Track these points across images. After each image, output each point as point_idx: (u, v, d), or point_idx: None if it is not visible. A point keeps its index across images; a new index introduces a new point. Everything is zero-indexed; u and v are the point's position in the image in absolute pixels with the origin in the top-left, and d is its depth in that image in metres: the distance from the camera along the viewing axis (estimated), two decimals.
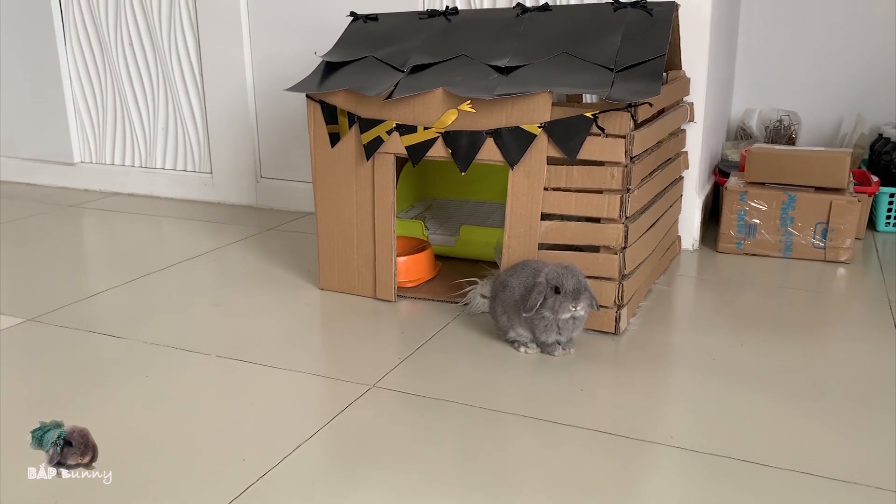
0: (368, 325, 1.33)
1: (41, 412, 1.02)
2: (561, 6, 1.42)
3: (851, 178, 1.71)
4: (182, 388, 1.11)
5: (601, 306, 1.24)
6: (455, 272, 1.51)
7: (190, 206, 2.19)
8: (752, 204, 1.65)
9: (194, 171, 2.24)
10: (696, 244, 1.74)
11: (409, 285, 1.46)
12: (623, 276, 1.26)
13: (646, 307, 1.39)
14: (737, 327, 1.30)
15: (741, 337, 1.26)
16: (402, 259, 1.45)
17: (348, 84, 1.35)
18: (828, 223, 1.61)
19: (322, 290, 1.49)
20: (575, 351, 1.20)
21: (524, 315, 1.15)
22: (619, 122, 1.20)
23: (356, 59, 1.41)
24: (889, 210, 1.84)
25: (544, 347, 1.19)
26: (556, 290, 1.13)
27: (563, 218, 1.28)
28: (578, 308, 1.14)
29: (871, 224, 1.87)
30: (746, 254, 1.68)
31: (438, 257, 1.58)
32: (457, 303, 1.39)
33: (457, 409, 1.04)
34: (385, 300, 1.43)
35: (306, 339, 1.29)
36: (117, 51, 2.23)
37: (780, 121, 2.08)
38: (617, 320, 1.26)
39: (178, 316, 1.38)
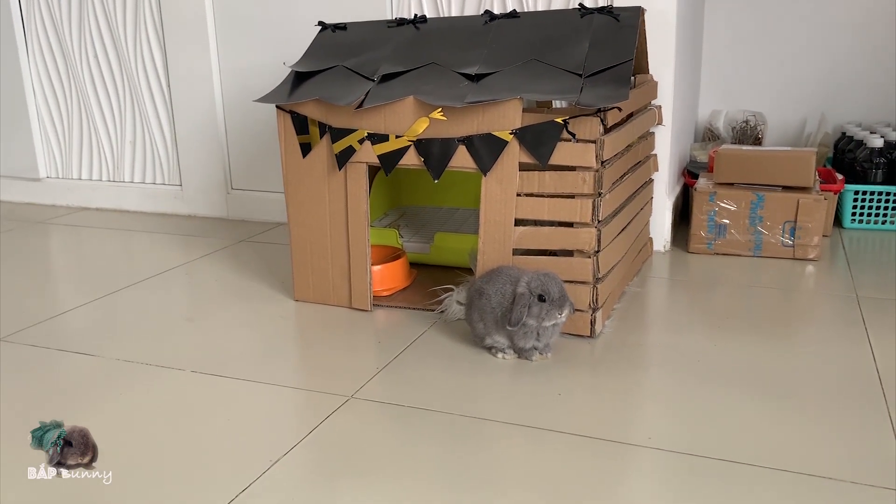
0: (345, 336, 1.33)
1: (12, 434, 1.01)
2: (528, 13, 1.43)
3: (817, 177, 1.74)
4: (157, 405, 1.10)
5: (576, 310, 1.25)
6: (430, 280, 1.51)
7: (160, 219, 2.16)
8: (722, 204, 1.68)
9: (163, 184, 2.21)
10: (668, 245, 1.76)
11: (384, 294, 1.46)
12: (597, 280, 1.27)
13: (620, 309, 1.40)
14: (710, 327, 1.32)
15: (715, 336, 1.28)
16: (376, 268, 1.45)
17: (318, 94, 1.35)
18: (796, 221, 1.64)
19: (296, 301, 1.48)
20: (552, 355, 1.21)
21: (509, 329, 1.16)
22: (589, 127, 1.21)
23: (326, 69, 1.41)
24: (854, 207, 1.87)
25: (522, 353, 1.20)
26: (541, 298, 1.14)
27: (536, 223, 1.29)
28: (564, 315, 1.15)
29: (838, 221, 1.90)
30: (717, 254, 1.71)
31: (413, 265, 1.58)
32: (433, 310, 1.39)
33: (436, 416, 1.04)
34: (361, 310, 1.43)
35: (282, 352, 1.28)
36: (82, 63, 2.20)
37: (747, 121, 2.12)
38: (592, 323, 1.27)
39: (151, 332, 1.36)
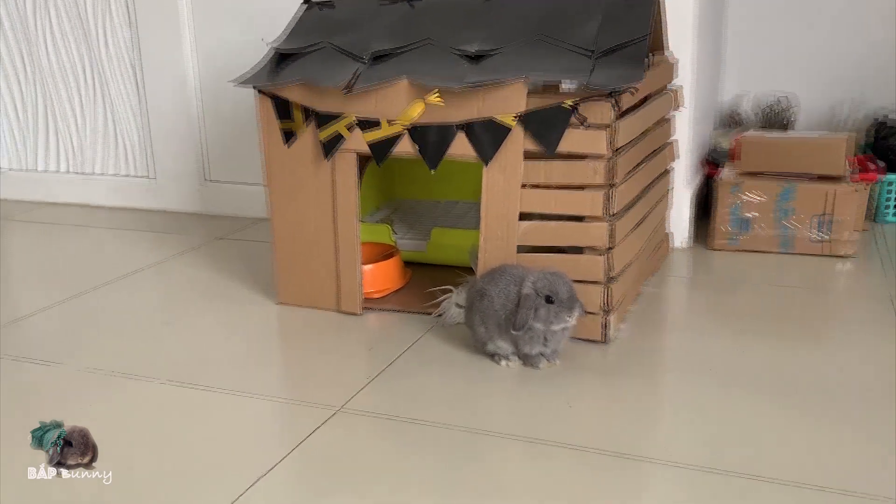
0: (333, 342, 1.33)
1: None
2: None
3: (852, 165, 1.74)
4: (128, 419, 1.09)
5: (587, 312, 1.25)
6: (427, 280, 1.51)
7: (130, 214, 2.16)
8: (746, 196, 1.68)
9: (134, 176, 2.21)
10: (688, 241, 1.76)
11: (376, 296, 1.46)
12: (610, 279, 1.27)
13: (635, 312, 1.40)
14: (734, 331, 1.32)
15: (738, 342, 1.28)
16: (367, 267, 1.45)
17: (303, 75, 1.35)
18: (826, 214, 1.64)
19: (280, 304, 1.48)
20: (560, 362, 1.21)
21: (513, 333, 1.16)
22: (601, 111, 1.21)
23: (311, 48, 1.41)
24: (888, 199, 1.86)
25: (527, 360, 1.20)
26: (549, 300, 1.14)
27: (542, 217, 1.29)
28: (573, 318, 1.15)
29: (873, 214, 1.90)
30: (741, 250, 1.71)
31: (408, 264, 1.58)
32: (430, 314, 1.39)
33: (433, 430, 1.04)
34: (350, 313, 1.43)
35: (265, 360, 1.28)
36: (42, 43, 2.20)
37: (776, 103, 2.11)
38: (605, 327, 1.27)
39: (121, 338, 1.36)
